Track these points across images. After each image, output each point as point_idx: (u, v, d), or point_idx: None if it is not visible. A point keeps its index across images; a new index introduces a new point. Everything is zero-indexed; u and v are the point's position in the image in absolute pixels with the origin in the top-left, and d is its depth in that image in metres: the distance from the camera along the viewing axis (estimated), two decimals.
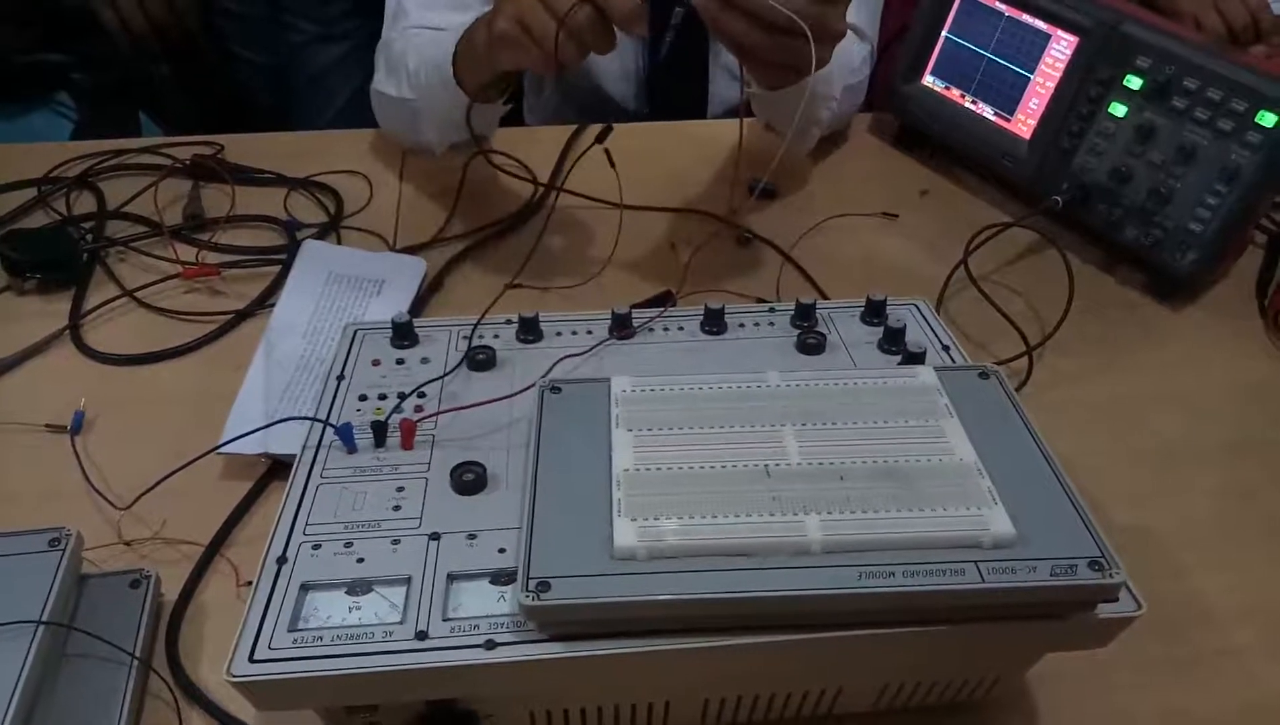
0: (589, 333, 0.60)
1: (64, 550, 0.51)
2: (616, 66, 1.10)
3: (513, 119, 1.21)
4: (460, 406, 0.54)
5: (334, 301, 0.76)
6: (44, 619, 0.48)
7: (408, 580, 0.44)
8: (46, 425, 0.66)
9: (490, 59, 0.75)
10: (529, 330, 0.60)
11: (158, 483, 0.57)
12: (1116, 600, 0.42)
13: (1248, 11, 1.06)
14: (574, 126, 1.05)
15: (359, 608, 0.43)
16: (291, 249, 0.83)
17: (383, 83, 0.95)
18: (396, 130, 0.98)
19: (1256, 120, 0.74)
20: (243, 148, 0.97)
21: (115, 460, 0.64)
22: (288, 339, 0.72)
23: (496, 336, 0.60)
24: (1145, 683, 0.54)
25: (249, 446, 0.60)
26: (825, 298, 0.77)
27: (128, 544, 0.59)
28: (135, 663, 0.50)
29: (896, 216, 0.93)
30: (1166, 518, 0.63)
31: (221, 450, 0.61)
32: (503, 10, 0.71)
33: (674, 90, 1.11)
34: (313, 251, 0.82)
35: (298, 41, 1.42)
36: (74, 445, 0.64)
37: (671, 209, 0.92)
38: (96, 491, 0.61)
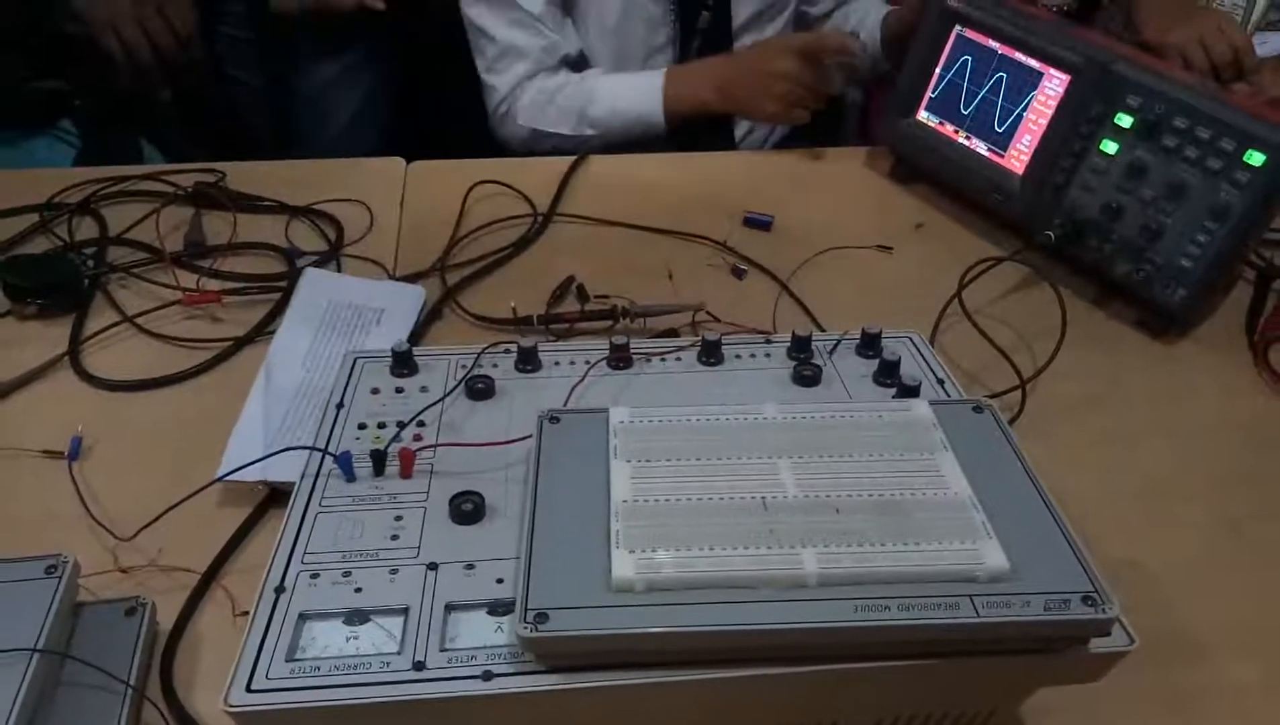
0: (587, 363, 0.61)
1: (60, 578, 0.51)
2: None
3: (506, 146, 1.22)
4: (460, 443, 0.54)
5: (334, 329, 0.77)
6: (39, 647, 0.48)
7: (405, 610, 0.44)
8: (43, 451, 0.66)
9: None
10: (528, 360, 0.61)
11: (159, 516, 0.57)
12: (1109, 635, 0.43)
13: (1231, 50, 1.09)
14: (573, 158, 1.06)
15: (356, 638, 0.43)
16: (292, 277, 0.83)
17: (553, 124, 1.16)
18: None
19: (1245, 159, 0.75)
20: (244, 175, 0.98)
21: (113, 487, 0.64)
22: (288, 367, 0.72)
23: (495, 365, 0.61)
24: (1140, 717, 0.54)
25: (248, 475, 0.60)
26: (821, 330, 0.78)
27: (124, 571, 0.59)
28: (130, 691, 0.49)
29: (891, 250, 0.94)
30: (1158, 551, 0.63)
31: (221, 480, 0.61)
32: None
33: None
34: (313, 279, 0.83)
35: (298, 59, 1.44)
36: (71, 471, 0.64)
37: (669, 231, 0.93)
38: (94, 519, 0.61)
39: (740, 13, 1.20)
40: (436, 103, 1.54)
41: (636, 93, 1.13)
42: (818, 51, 1.06)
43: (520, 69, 1.16)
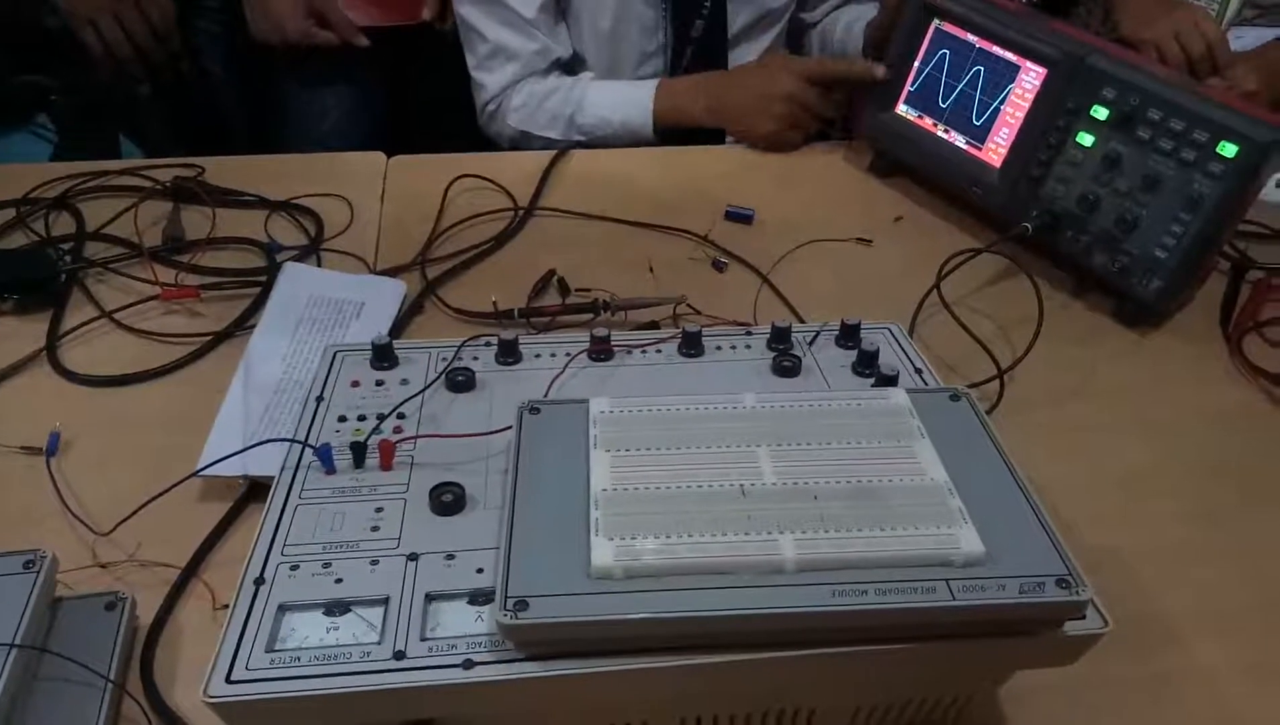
0: (568, 355, 0.61)
1: (38, 573, 0.51)
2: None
3: (492, 142, 1.23)
4: (439, 434, 0.54)
5: (314, 324, 0.77)
6: (17, 642, 0.48)
7: (386, 600, 0.44)
8: (21, 447, 0.66)
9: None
10: (509, 352, 0.61)
11: (137, 510, 0.57)
12: (1083, 618, 0.43)
13: (1206, 44, 1.10)
14: (553, 152, 1.06)
15: (337, 628, 0.43)
16: (272, 271, 0.83)
17: (542, 128, 1.16)
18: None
19: (1218, 150, 0.76)
20: (224, 170, 0.98)
21: (92, 482, 0.64)
22: (267, 361, 0.72)
23: (476, 358, 0.61)
24: (1116, 702, 0.54)
25: (228, 468, 0.60)
26: (801, 321, 0.79)
27: (103, 566, 0.59)
28: (109, 686, 0.49)
29: (871, 242, 0.94)
30: (1134, 539, 0.64)
31: (201, 473, 0.60)
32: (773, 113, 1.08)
33: None
34: (293, 274, 0.82)
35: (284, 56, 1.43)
36: (49, 467, 0.64)
37: (650, 225, 0.93)
38: (73, 514, 0.61)
39: (736, 21, 1.19)
40: (425, 103, 1.53)
41: (626, 104, 1.13)
42: (823, 79, 1.07)
43: (511, 70, 1.16)
